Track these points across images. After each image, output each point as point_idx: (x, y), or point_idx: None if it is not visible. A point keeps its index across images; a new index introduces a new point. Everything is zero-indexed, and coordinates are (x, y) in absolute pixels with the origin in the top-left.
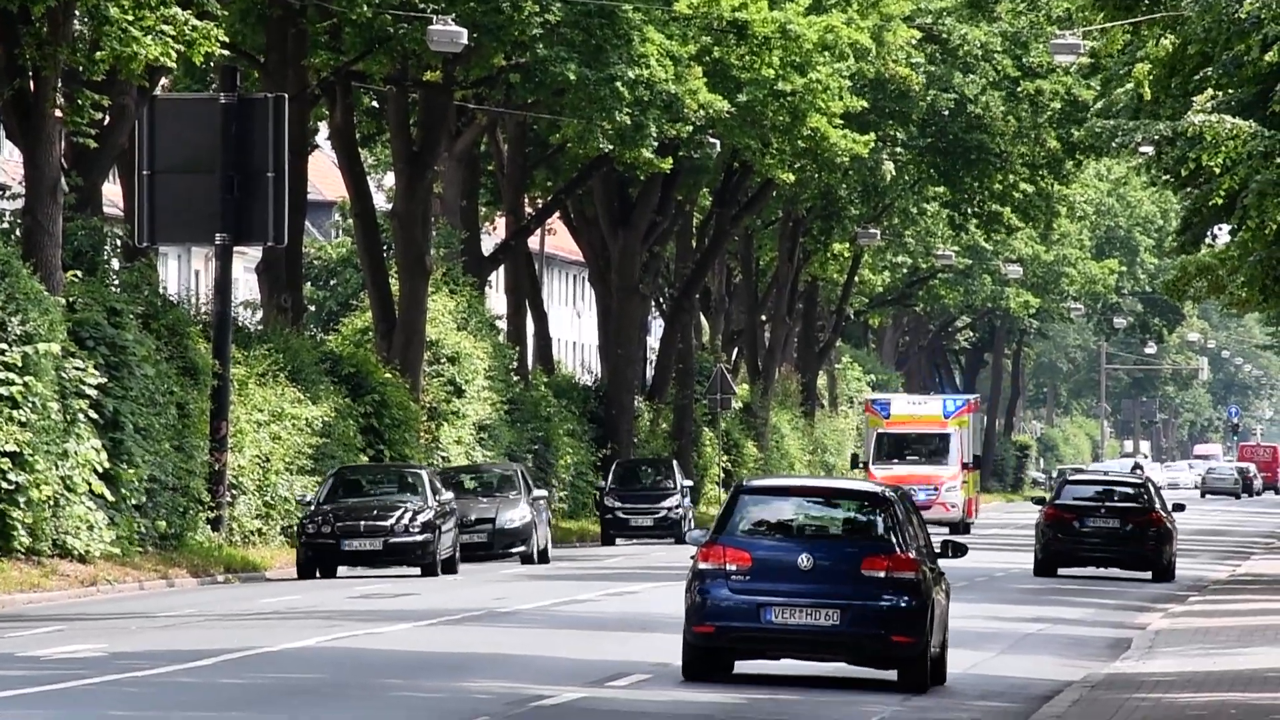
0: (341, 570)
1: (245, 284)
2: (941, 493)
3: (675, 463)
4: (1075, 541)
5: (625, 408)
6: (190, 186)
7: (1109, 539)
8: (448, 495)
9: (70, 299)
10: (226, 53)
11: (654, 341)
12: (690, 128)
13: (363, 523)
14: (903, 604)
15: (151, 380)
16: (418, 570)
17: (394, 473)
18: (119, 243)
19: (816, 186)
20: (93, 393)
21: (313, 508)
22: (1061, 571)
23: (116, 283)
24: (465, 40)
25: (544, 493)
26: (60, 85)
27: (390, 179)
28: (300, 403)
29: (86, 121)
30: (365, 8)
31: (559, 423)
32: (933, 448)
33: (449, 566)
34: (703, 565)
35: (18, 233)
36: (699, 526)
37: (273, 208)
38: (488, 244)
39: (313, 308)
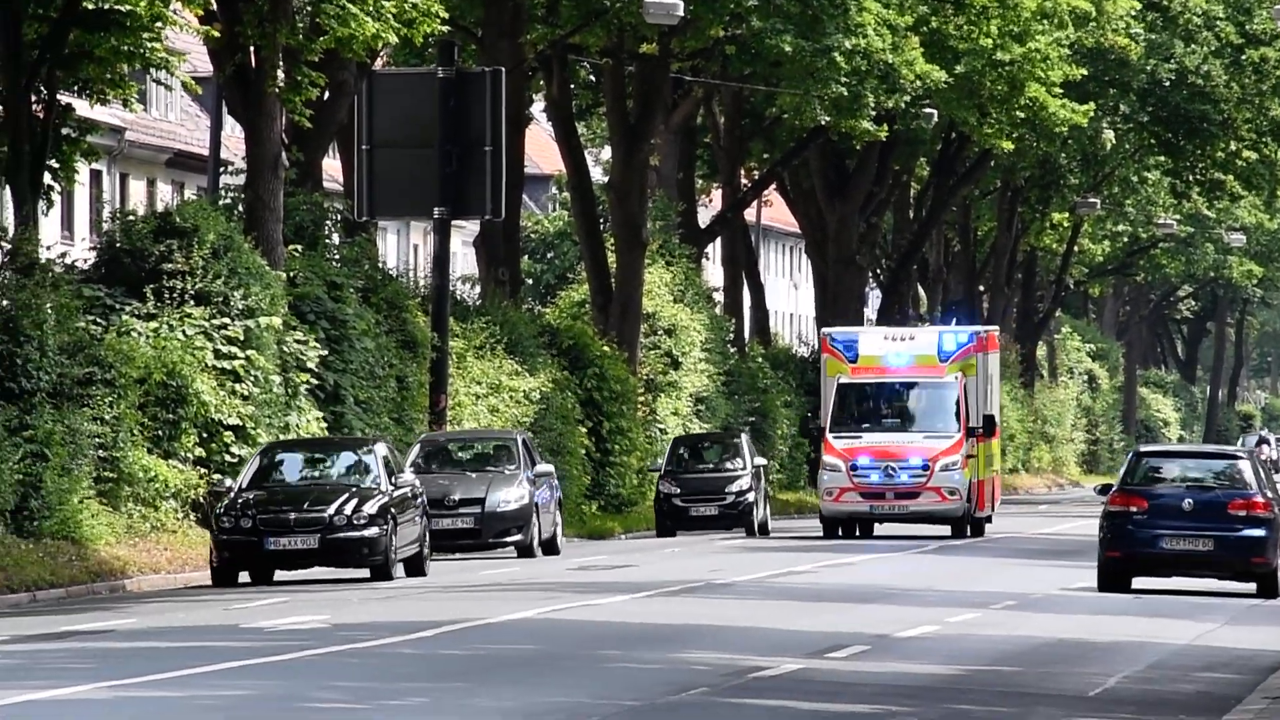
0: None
1: (463, 258)
2: (934, 473)
3: (745, 438)
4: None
5: None
6: (409, 161)
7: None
8: (408, 476)
9: (291, 273)
10: (445, 28)
11: (870, 313)
12: (907, 98)
13: (293, 514)
14: (1259, 535)
15: (371, 354)
16: (366, 572)
17: (337, 448)
18: (339, 217)
19: (1035, 156)
20: (314, 366)
21: (231, 495)
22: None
23: (336, 257)
24: (681, 12)
25: (549, 468)
26: (280, 62)
27: (607, 152)
28: (518, 375)
29: (306, 99)
30: None
31: (776, 394)
32: (922, 405)
33: (414, 566)
34: (1112, 508)
35: (240, 208)
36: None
37: (490, 181)
38: (704, 216)
39: (530, 281)
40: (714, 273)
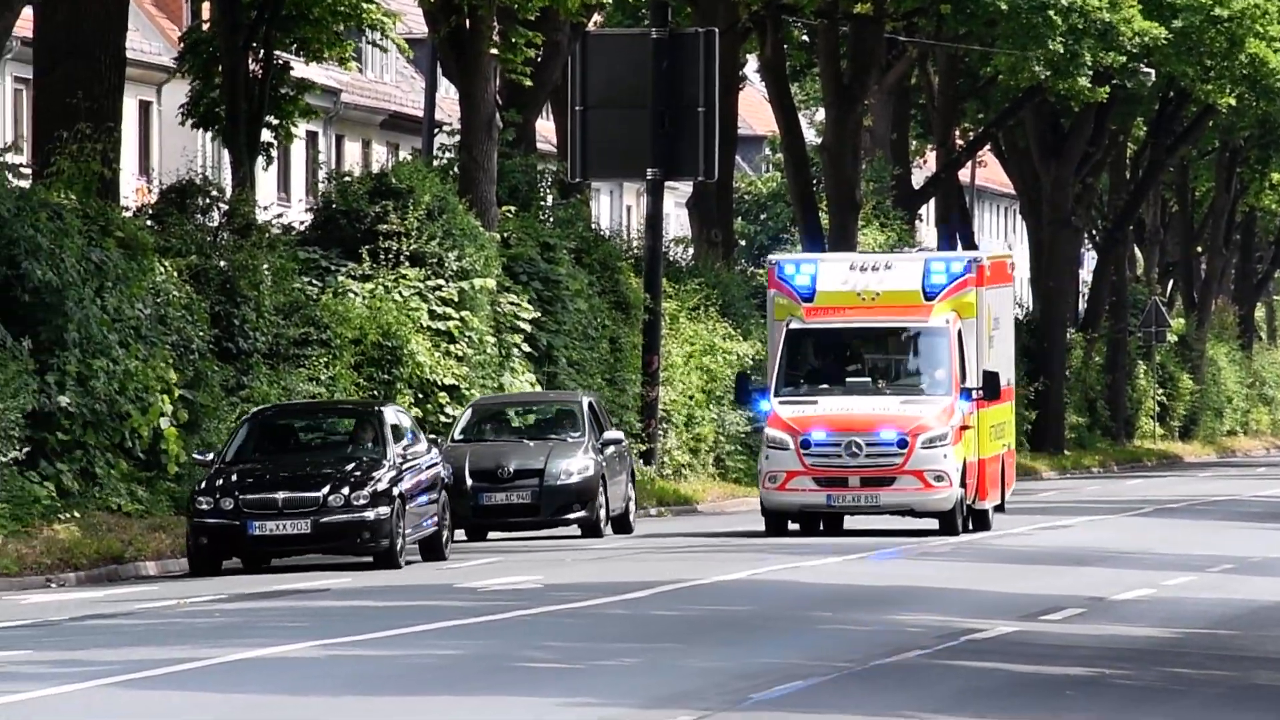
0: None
1: (676, 219)
2: (914, 451)
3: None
4: None
5: (1057, 341)
6: (622, 122)
7: None
8: (422, 446)
9: (505, 235)
10: None
11: (1086, 274)
12: (1124, 56)
13: (280, 494)
14: None
15: (584, 315)
16: (369, 560)
17: (340, 414)
18: (552, 178)
19: (1255, 115)
20: (527, 327)
21: (211, 472)
22: None
23: (550, 218)
24: None
25: (619, 435)
26: (495, 23)
27: (820, 113)
28: (731, 337)
29: (520, 60)
30: None
31: None
32: (901, 359)
33: (431, 549)
34: None
35: (454, 169)
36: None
37: (703, 143)
38: (918, 177)
39: (743, 242)
40: (928, 234)
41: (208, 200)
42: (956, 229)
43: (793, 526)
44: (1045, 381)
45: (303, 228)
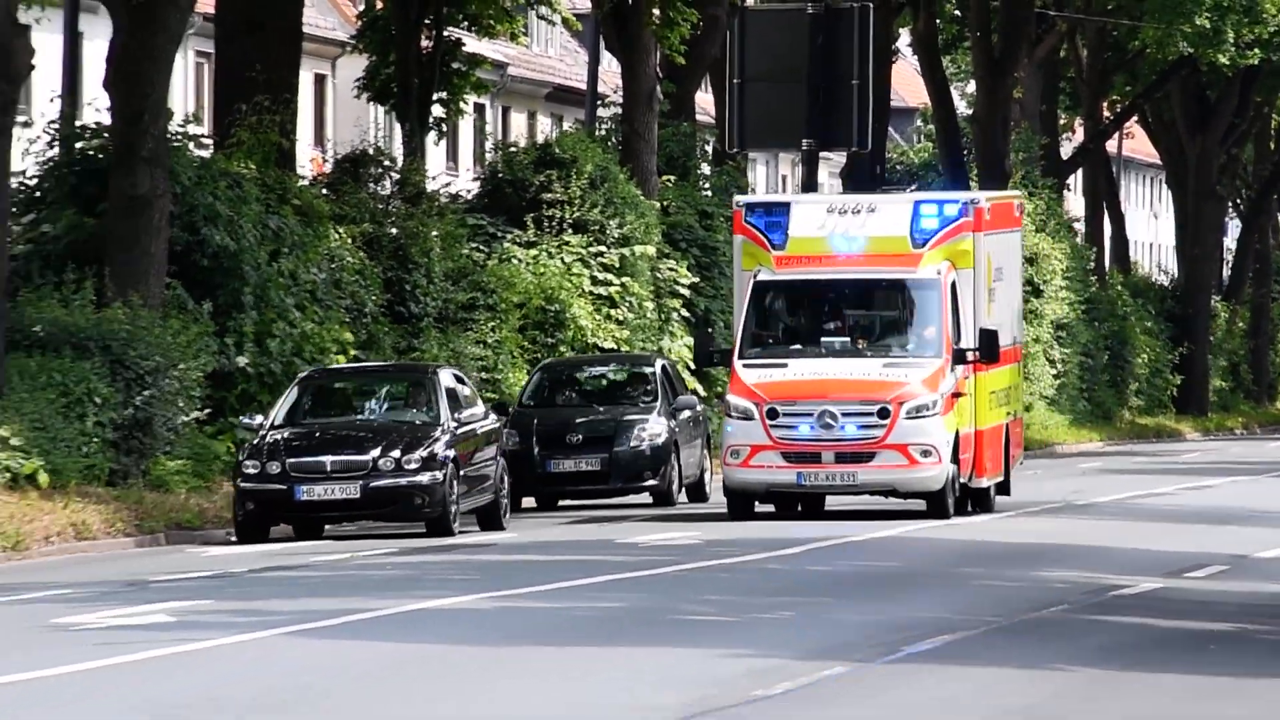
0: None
1: (829, 188)
2: (898, 422)
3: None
4: None
5: (1201, 307)
6: (778, 94)
7: None
8: (479, 409)
9: (664, 202)
10: None
11: (1230, 242)
12: (1270, 30)
13: (329, 457)
14: None
15: None
16: (421, 527)
17: (391, 377)
18: (709, 148)
19: None
20: (685, 293)
21: (259, 435)
22: None
23: (708, 187)
24: None
25: (693, 399)
26: None
27: (971, 85)
28: None
29: (679, 35)
30: None
31: (1135, 321)
32: (883, 316)
33: (488, 519)
34: None
35: (616, 140)
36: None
37: (856, 114)
38: (1066, 148)
39: None
40: (1075, 203)
41: (380, 170)
42: (1104, 200)
43: (766, 508)
44: (1190, 346)
45: (470, 196)
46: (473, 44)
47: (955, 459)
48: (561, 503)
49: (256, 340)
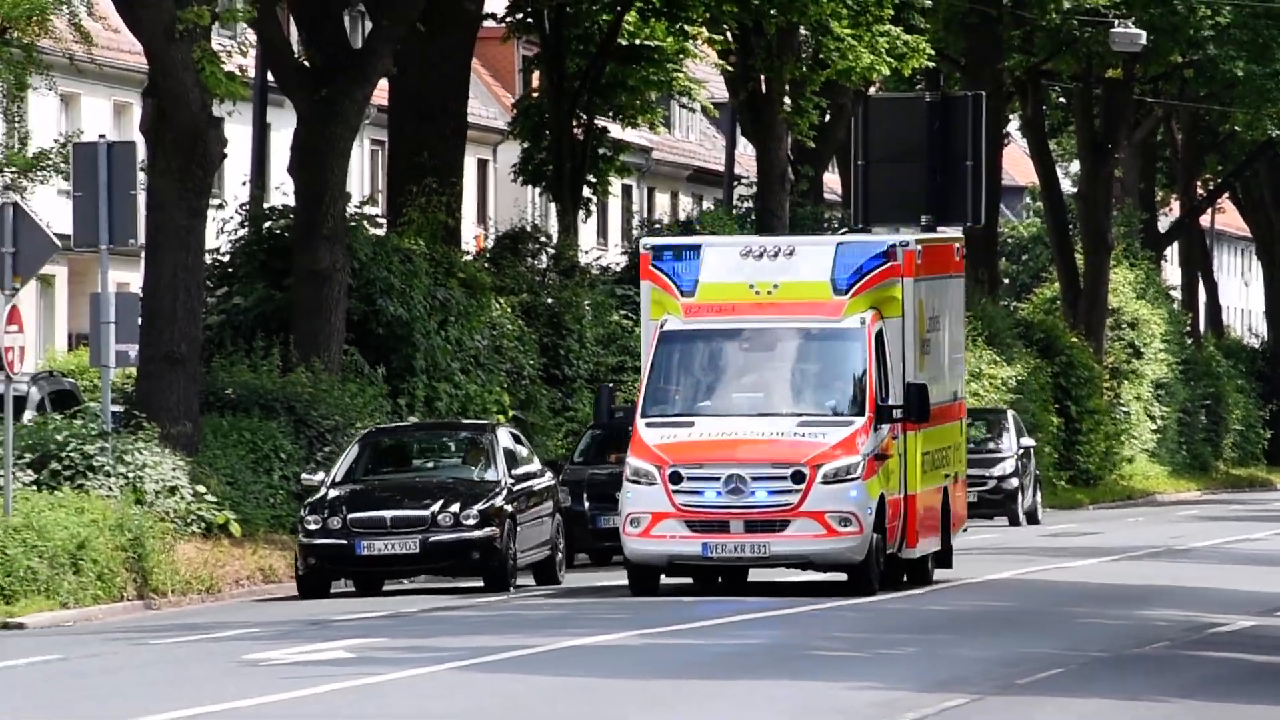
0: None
1: None
2: (814, 486)
3: (1012, 415)
4: None
5: None
6: (899, 174)
7: None
8: (535, 467)
9: None
10: (930, 63)
11: None
12: None
13: (389, 513)
14: None
15: None
16: (479, 581)
17: (449, 436)
18: (839, 225)
19: None
20: None
21: (320, 491)
22: None
23: None
24: (1144, 41)
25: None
26: (787, 89)
27: (1075, 165)
28: (996, 364)
29: (809, 122)
30: (1055, 15)
31: (1229, 380)
32: (801, 369)
33: (545, 573)
34: None
35: (752, 217)
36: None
37: (971, 192)
38: (1163, 223)
39: (1007, 280)
40: (1172, 273)
41: (537, 245)
42: (1198, 269)
43: (673, 580)
44: (1279, 403)
45: (619, 269)
46: (620, 131)
47: (880, 528)
48: (615, 559)
49: (426, 402)
